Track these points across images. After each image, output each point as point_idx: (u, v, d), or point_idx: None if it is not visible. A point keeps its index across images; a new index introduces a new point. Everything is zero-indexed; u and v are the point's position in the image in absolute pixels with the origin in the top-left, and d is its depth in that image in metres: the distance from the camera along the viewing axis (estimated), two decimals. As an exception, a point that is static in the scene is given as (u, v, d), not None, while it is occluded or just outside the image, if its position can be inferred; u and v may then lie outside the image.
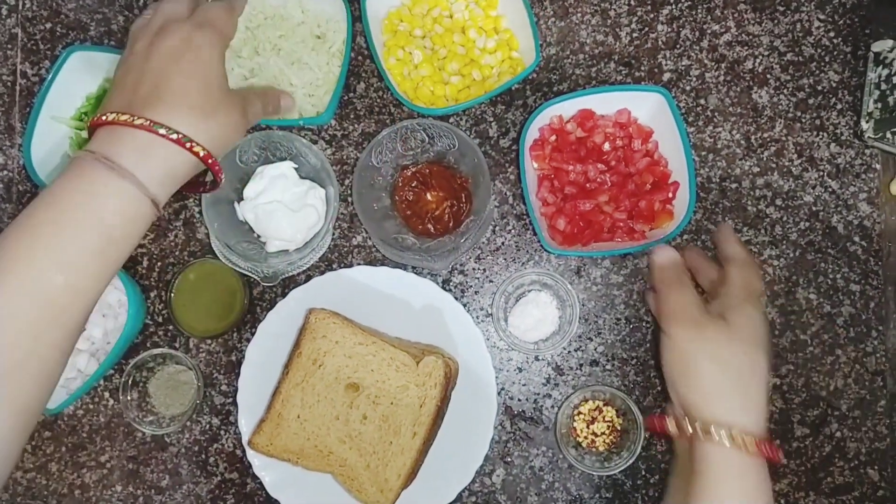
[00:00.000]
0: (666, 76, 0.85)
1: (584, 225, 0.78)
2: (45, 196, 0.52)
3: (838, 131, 0.84)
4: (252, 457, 0.78)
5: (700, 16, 0.85)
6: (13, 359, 0.49)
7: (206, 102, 0.55)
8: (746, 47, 0.85)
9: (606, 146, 0.79)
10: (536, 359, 0.82)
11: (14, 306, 0.49)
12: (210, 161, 0.56)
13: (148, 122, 0.52)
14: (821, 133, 0.84)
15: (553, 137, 0.80)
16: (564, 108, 0.79)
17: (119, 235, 0.53)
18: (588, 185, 0.79)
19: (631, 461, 0.77)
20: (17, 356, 0.49)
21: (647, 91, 0.78)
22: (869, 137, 0.82)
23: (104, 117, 0.53)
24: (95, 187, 0.52)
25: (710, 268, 0.73)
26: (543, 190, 0.79)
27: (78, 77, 0.82)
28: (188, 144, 0.54)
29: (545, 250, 0.80)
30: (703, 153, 0.84)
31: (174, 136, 0.53)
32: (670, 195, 0.78)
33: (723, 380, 0.63)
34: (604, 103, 0.79)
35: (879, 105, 0.81)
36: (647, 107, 0.79)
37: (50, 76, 0.80)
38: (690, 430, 0.63)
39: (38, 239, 0.50)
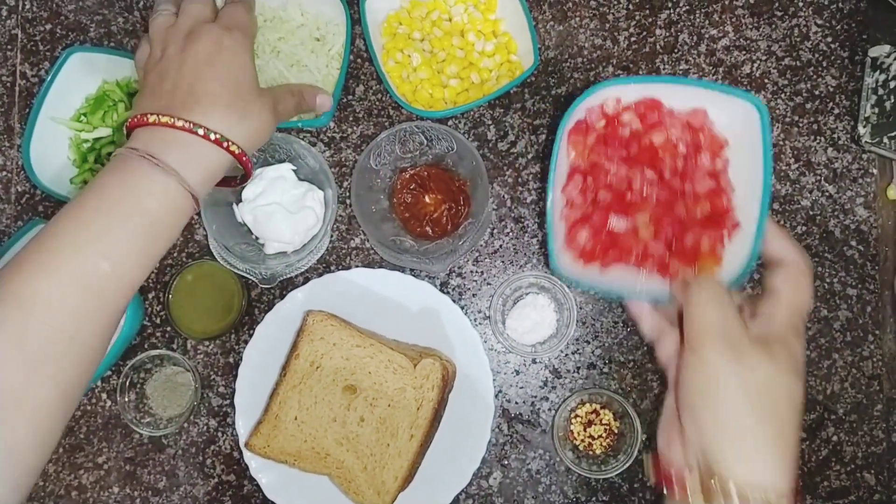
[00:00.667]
0: (664, 80, 0.85)
1: (609, 243, 0.61)
2: (92, 188, 0.54)
3: (835, 136, 0.84)
4: (249, 458, 0.78)
5: (698, 20, 0.86)
6: (60, 342, 0.51)
7: (239, 103, 0.58)
8: (744, 52, 0.85)
9: (663, 152, 0.62)
10: (534, 361, 0.83)
11: (62, 292, 0.51)
12: (244, 159, 0.59)
13: (189, 123, 0.55)
14: (818, 137, 0.84)
15: (602, 123, 0.63)
16: (627, 92, 0.62)
17: (161, 228, 0.55)
18: (629, 195, 0.61)
19: (628, 464, 0.77)
20: (64, 340, 0.51)
21: (736, 96, 0.60)
22: (866, 142, 0.82)
23: (147, 118, 0.55)
24: (141, 182, 0.54)
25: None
26: (572, 187, 0.62)
27: (77, 78, 0.82)
28: (225, 144, 0.56)
29: (552, 271, 0.64)
30: (701, 157, 0.84)
31: (213, 137, 0.56)
32: (726, 236, 0.60)
33: (760, 424, 0.50)
34: (677, 96, 0.62)
35: (876, 110, 0.81)
36: (728, 115, 0.61)
37: (49, 77, 0.80)
38: (719, 490, 0.49)
39: (86, 228, 0.53)
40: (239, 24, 0.61)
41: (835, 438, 0.81)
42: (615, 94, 0.63)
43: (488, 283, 0.84)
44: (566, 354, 0.82)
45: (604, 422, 0.80)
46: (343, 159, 0.85)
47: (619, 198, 0.61)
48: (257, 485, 0.79)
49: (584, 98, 0.61)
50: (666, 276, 0.60)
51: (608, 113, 0.63)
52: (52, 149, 0.82)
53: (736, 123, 0.61)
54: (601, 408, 0.81)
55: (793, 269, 0.54)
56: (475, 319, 0.83)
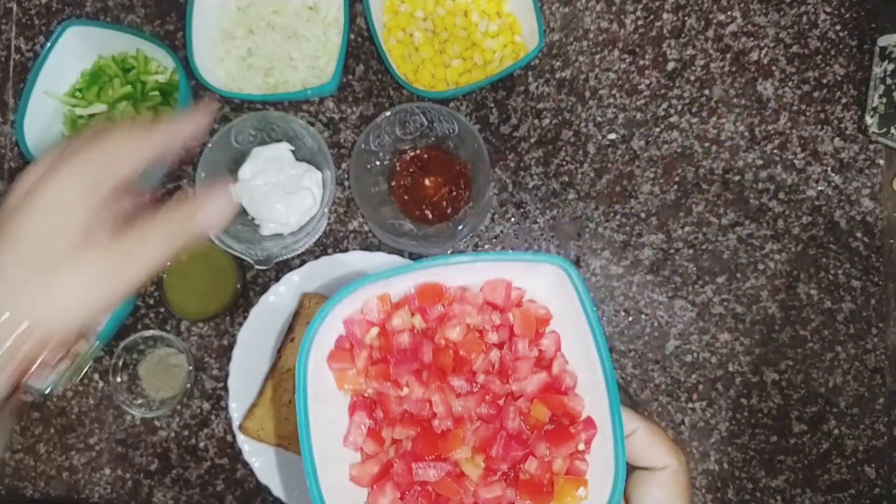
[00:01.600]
0: (670, 65, 0.83)
1: (427, 499, 0.43)
2: None
3: (843, 125, 0.83)
4: (242, 442, 0.77)
5: (706, 5, 0.84)
6: None
7: (48, 257, 0.39)
8: (752, 38, 0.84)
9: (468, 350, 0.45)
10: (533, 349, 0.81)
11: None
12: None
13: None
14: (825, 127, 0.83)
15: (373, 334, 0.45)
16: (392, 285, 0.45)
17: None
18: (437, 423, 0.44)
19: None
20: None
21: (534, 261, 0.45)
22: (873, 132, 0.81)
23: None
24: None
25: None
26: (355, 431, 0.44)
27: (73, 53, 0.80)
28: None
29: None
30: (707, 144, 0.82)
31: None
32: (581, 446, 0.44)
33: None
34: (462, 274, 0.46)
35: (884, 100, 0.80)
36: (536, 280, 0.46)
37: (44, 51, 0.78)
38: None
39: None
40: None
41: (836, 431, 0.80)
42: (375, 293, 0.45)
43: (488, 269, 0.82)
44: (565, 342, 0.81)
45: (602, 411, 0.79)
46: (342, 140, 0.83)
47: (424, 432, 0.44)
48: (250, 468, 0.78)
49: (328, 310, 0.43)
50: None
51: (373, 321, 0.45)
52: (46, 124, 0.81)
53: (550, 289, 0.46)
54: (600, 397, 0.80)
55: (667, 477, 0.43)
56: (474, 305, 0.82)
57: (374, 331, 0.45)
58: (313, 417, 0.41)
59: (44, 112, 0.80)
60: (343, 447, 0.44)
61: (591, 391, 0.44)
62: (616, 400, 0.42)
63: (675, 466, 0.43)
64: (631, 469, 0.44)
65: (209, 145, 0.76)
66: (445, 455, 0.43)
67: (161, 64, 0.83)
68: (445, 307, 0.46)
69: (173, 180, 0.83)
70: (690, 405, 0.80)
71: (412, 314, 0.45)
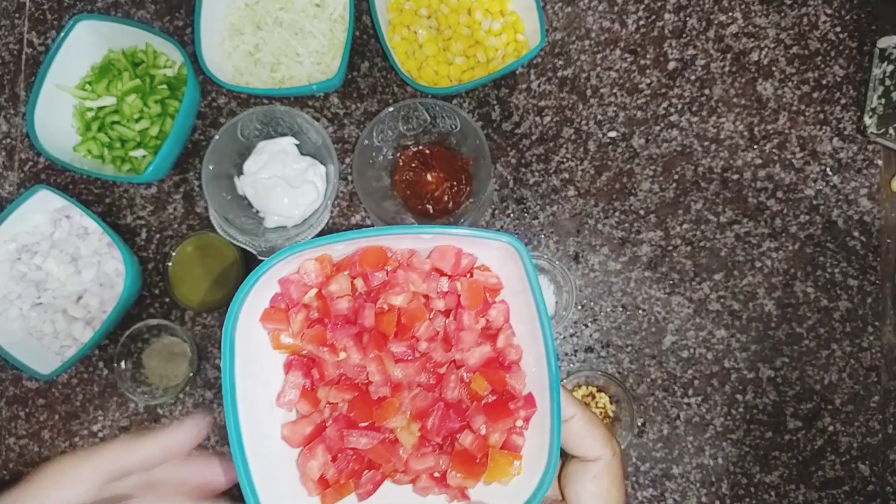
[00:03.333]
0: (671, 65, 0.84)
1: (359, 467, 0.42)
2: None
3: (842, 126, 0.84)
4: (244, 430, 0.78)
5: (707, 6, 0.85)
6: None
7: None
8: (753, 39, 0.85)
9: (411, 318, 0.43)
10: (531, 343, 0.82)
11: None
12: None
13: None
14: (824, 127, 0.84)
15: (312, 295, 0.43)
16: (335, 249, 0.43)
17: None
18: (373, 389, 0.43)
19: (622, 447, 0.77)
20: None
21: (486, 238, 0.43)
22: (872, 133, 0.82)
23: None
24: None
25: None
26: (290, 389, 0.43)
27: (83, 46, 0.82)
28: None
29: None
30: (706, 143, 0.83)
31: None
32: (519, 423, 0.43)
33: None
34: (410, 242, 0.44)
35: (883, 101, 0.81)
36: (487, 252, 0.45)
37: (55, 44, 0.80)
38: None
39: None
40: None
41: (831, 428, 0.80)
42: (314, 256, 0.42)
43: (488, 264, 0.83)
44: (564, 337, 0.82)
45: (599, 405, 0.80)
46: (346, 135, 0.85)
47: (361, 399, 0.42)
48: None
49: (262, 271, 0.40)
50: (448, 491, 0.42)
51: (309, 284, 0.42)
52: (56, 117, 0.82)
53: (501, 261, 0.44)
54: (597, 391, 0.81)
55: (601, 469, 0.42)
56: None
57: (312, 292, 0.42)
58: (244, 377, 0.39)
59: (54, 104, 0.82)
60: (276, 407, 0.42)
61: (534, 368, 0.43)
62: (556, 380, 0.41)
63: (609, 458, 0.41)
64: (565, 457, 0.43)
65: (216, 138, 0.78)
66: (380, 422, 0.42)
67: (169, 58, 0.84)
68: (389, 273, 0.43)
69: (180, 173, 0.85)
70: (686, 400, 0.81)
71: (353, 278, 0.43)
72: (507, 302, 0.45)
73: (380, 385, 0.42)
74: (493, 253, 0.44)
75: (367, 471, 0.42)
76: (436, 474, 0.42)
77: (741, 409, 0.80)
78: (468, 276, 0.44)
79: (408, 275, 0.43)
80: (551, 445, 0.40)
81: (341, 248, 0.42)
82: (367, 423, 0.42)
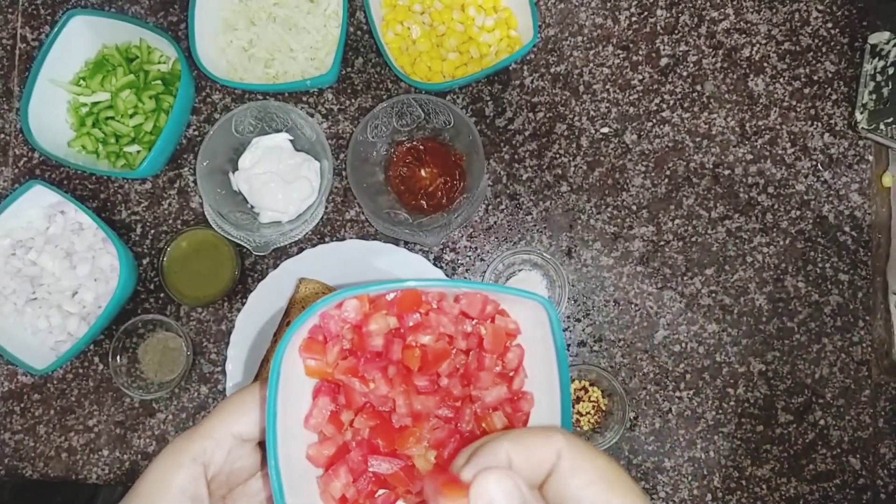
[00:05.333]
0: (663, 61, 0.85)
1: (376, 488, 0.45)
2: None
3: (832, 121, 0.84)
4: (238, 425, 0.79)
5: (699, 2, 0.86)
6: None
7: None
8: (744, 35, 0.85)
9: (436, 355, 0.46)
10: (524, 338, 0.83)
11: None
12: None
13: None
14: (815, 123, 0.84)
15: (346, 329, 0.46)
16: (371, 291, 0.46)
17: None
18: (396, 418, 0.46)
19: (615, 441, 0.78)
20: None
21: (520, 296, 0.46)
22: (863, 128, 0.82)
23: None
24: None
25: None
26: (318, 414, 0.46)
27: (77, 41, 0.82)
28: None
29: None
30: (698, 139, 0.84)
31: None
32: None
33: None
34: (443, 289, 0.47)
35: (874, 96, 0.82)
36: (513, 305, 0.48)
37: (49, 39, 0.80)
38: None
39: None
40: None
41: (822, 422, 0.81)
42: (355, 294, 0.45)
43: (481, 259, 0.84)
44: (557, 331, 0.83)
45: (592, 399, 0.81)
46: (340, 131, 0.85)
47: (383, 424, 0.45)
48: (246, 451, 0.79)
49: (312, 313, 0.44)
50: None
51: (349, 320, 0.45)
52: (50, 112, 0.82)
53: (522, 309, 0.47)
54: (590, 385, 0.81)
55: (571, 456, 0.36)
56: (467, 294, 0.83)
57: (349, 326, 0.46)
58: (281, 399, 0.42)
59: (48, 100, 0.82)
60: (303, 428, 0.45)
61: (545, 413, 0.46)
62: (569, 427, 0.43)
63: (563, 440, 0.36)
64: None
65: (210, 134, 0.78)
66: (401, 449, 0.45)
67: (164, 54, 0.85)
68: (423, 316, 0.47)
69: (174, 168, 0.85)
70: (678, 394, 0.81)
71: (388, 316, 0.46)
72: (523, 346, 0.48)
73: (403, 415, 0.45)
74: (516, 303, 0.47)
75: (381, 490, 0.45)
76: None
77: (732, 403, 0.81)
78: (491, 321, 0.48)
79: (439, 318, 0.46)
80: None
81: (378, 287, 0.46)
82: (388, 450, 0.45)
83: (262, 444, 0.45)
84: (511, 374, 0.47)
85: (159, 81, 0.83)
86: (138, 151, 0.83)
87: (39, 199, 0.80)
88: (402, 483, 0.44)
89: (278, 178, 0.80)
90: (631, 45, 0.85)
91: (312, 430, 0.45)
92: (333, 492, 0.44)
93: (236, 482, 0.44)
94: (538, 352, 0.46)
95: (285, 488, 0.42)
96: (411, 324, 0.46)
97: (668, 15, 0.85)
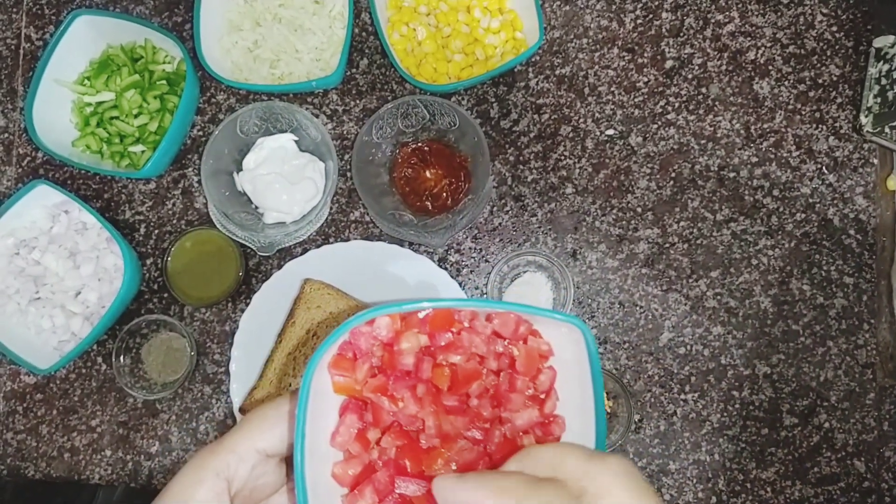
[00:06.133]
0: (668, 63, 0.85)
1: None
2: None
3: (837, 125, 0.84)
4: (242, 426, 0.78)
5: (704, 5, 0.86)
6: None
7: None
8: (749, 38, 0.85)
9: (466, 374, 0.45)
10: (529, 339, 0.83)
11: None
12: None
13: None
14: (820, 126, 0.84)
15: (376, 347, 0.45)
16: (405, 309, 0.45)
17: None
18: (424, 439, 0.44)
19: (619, 443, 0.78)
20: None
21: (555, 318, 0.45)
22: (867, 132, 0.82)
23: None
24: None
25: None
26: (344, 432, 0.45)
27: (82, 41, 0.82)
28: None
29: None
30: (703, 142, 0.84)
31: None
32: None
33: None
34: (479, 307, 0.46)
35: (879, 100, 0.82)
36: (546, 326, 0.47)
37: (54, 39, 0.80)
38: None
39: None
40: None
41: (826, 425, 0.81)
42: (388, 313, 0.45)
43: (486, 261, 0.84)
44: (561, 333, 0.83)
45: (597, 401, 0.80)
46: (345, 132, 0.85)
47: (410, 444, 0.44)
48: (249, 452, 0.79)
49: (345, 330, 0.43)
50: None
51: (380, 338, 0.45)
52: (54, 112, 0.82)
53: (555, 330, 0.46)
54: (594, 387, 0.81)
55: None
56: (472, 296, 0.83)
57: (379, 343, 0.45)
58: (309, 417, 0.42)
59: (53, 99, 0.82)
60: (329, 445, 0.44)
61: (579, 437, 0.44)
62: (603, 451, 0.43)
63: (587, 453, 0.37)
64: None
65: (215, 134, 0.78)
66: (429, 471, 0.43)
67: (169, 54, 0.85)
68: (454, 335, 0.46)
69: (179, 168, 0.85)
70: (683, 396, 0.81)
71: (424, 332, 0.45)
72: (555, 368, 0.46)
73: (432, 436, 0.44)
74: (549, 324, 0.46)
75: None
76: None
77: (737, 406, 0.81)
78: (523, 342, 0.46)
79: (471, 338, 0.45)
80: None
81: (412, 306, 0.45)
82: (415, 471, 0.44)
83: (286, 460, 0.44)
84: (542, 396, 0.46)
85: (164, 81, 0.83)
86: (143, 151, 0.83)
87: (43, 199, 0.80)
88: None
89: (283, 179, 0.80)
90: (636, 48, 0.85)
91: (338, 448, 0.44)
92: None
93: (259, 498, 0.43)
94: (571, 374, 0.45)
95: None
96: (443, 343, 0.45)
97: (674, 17, 0.85)
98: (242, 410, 0.77)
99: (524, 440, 0.45)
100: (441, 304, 0.44)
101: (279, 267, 0.81)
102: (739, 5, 0.86)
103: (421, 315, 0.45)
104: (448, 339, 0.45)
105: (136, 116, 0.82)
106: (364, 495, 0.43)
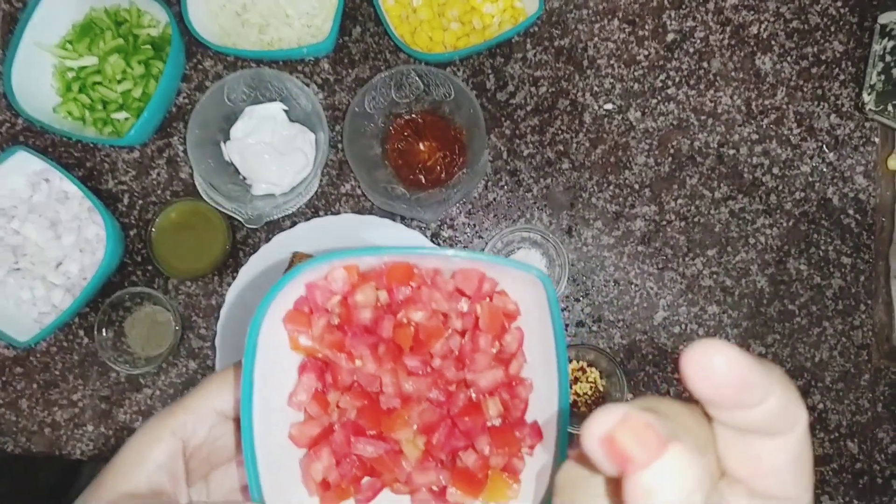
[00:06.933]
0: (670, 37, 0.83)
1: (361, 474, 0.43)
2: None
3: (839, 102, 0.83)
4: (228, 401, 0.77)
5: (707, -23, 0.83)
6: None
7: None
8: (752, 12, 0.83)
9: (428, 334, 0.43)
10: (522, 317, 0.81)
11: None
12: None
13: None
14: (822, 103, 0.83)
15: (334, 302, 0.43)
16: (363, 259, 0.43)
17: None
18: (384, 400, 0.43)
19: (612, 423, 0.77)
20: None
21: (514, 268, 0.42)
22: (870, 110, 0.81)
23: None
24: None
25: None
26: (301, 391, 0.43)
27: (64, 3, 0.79)
28: None
29: None
30: (703, 117, 0.82)
31: None
32: (526, 449, 0.43)
33: None
34: (437, 261, 0.43)
35: (882, 77, 0.80)
36: (513, 282, 0.44)
37: (34, 0, 0.77)
38: None
39: None
40: None
41: (820, 406, 0.80)
42: (343, 265, 0.42)
43: (480, 237, 0.82)
44: (555, 311, 0.81)
45: (590, 380, 0.79)
46: (336, 102, 0.83)
47: (371, 405, 0.43)
48: (236, 428, 0.77)
49: (291, 278, 0.41)
50: None
51: (335, 291, 0.42)
52: (35, 76, 0.79)
53: (522, 287, 0.44)
54: (588, 366, 0.80)
55: (798, 442, 0.26)
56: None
57: (336, 299, 0.43)
58: (260, 372, 0.40)
59: (33, 63, 0.78)
60: (286, 406, 0.43)
61: (543, 398, 0.43)
62: (566, 415, 0.41)
63: (805, 423, 0.26)
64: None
65: (202, 101, 0.75)
66: (388, 433, 0.42)
67: (154, 17, 0.82)
68: (414, 290, 0.43)
69: (163, 137, 0.82)
70: (676, 375, 0.80)
71: (378, 289, 0.43)
72: (523, 329, 0.45)
73: (391, 396, 0.43)
74: (515, 280, 0.44)
75: (367, 477, 0.43)
76: (435, 488, 0.43)
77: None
78: (488, 299, 0.44)
79: (431, 293, 0.43)
80: (553, 474, 0.40)
81: (370, 259, 0.43)
82: (374, 432, 0.43)
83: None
84: (508, 357, 0.44)
85: (149, 46, 0.80)
86: (126, 118, 0.80)
87: (23, 166, 0.77)
88: (387, 469, 0.42)
89: (272, 150, 0.77)
90: (637, 20, 0.83)
91: (296, 408, 0.43)
92: (315, 474, 0.41)
93: (218, 461, 0.42)
94: (537, 335, 0.43)
95: (262, 468, 0.39)
96: (401, 298, 0.43)
97: (676, -11, 0.83)
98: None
99: (489, 403, 0.43)
100: (391, 252, 0.42)
101: (267, 240, 0.79)
102: (743, -22, 0.84)
103: (374, 263, 0.43)
104: (406, 293, 0.43)
105: (119, 82, 0.79)
106: (321, 456, 0.42)
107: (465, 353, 0.43)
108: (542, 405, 0.43)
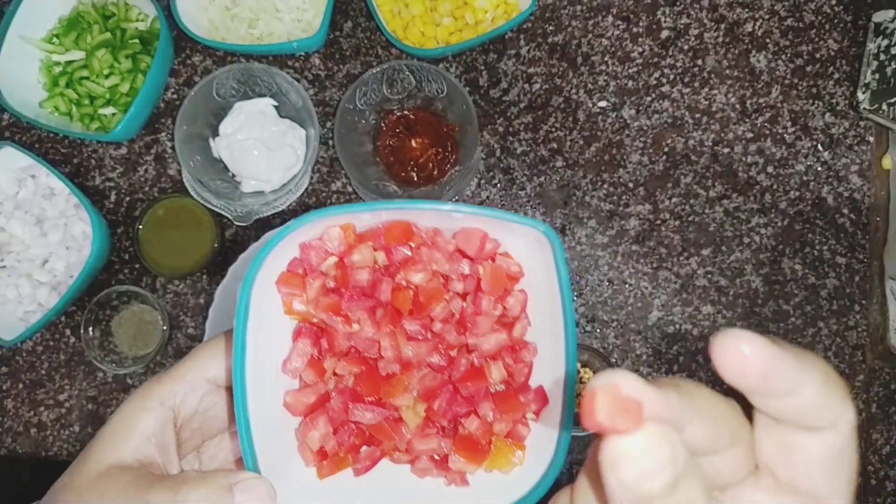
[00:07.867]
0: (664, 34, 0.82)
1: (359, 442, 0.41)
2: None
3: (834, 101, 0.82)
4: (217, 401, 0.76)
5: (702, -26, 0.83)
6: None
7: None
8: (747, 9, 0.83)
9: (429, 296, 0.41)
10: (515, 316, 0.80)
11: None
12: None
13: None
14: (816, 102, 0.82)
15: (330, 264, 0.40)
16: (360, 218, 0.40)
17: None
18: (382, 365, 0.41)
19: (605, 423, 0.76)
20: None
21: (517, 223, 0.40)
22: (864, 108, 0.80)
23: None
24: None
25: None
26: (296, 358, 0.41)
27: (50, -4, 0.78)
28: None
29: None
30: (697, 115, 0.82)
31: None
32: (531, 415, 0.41)
33: None
34: (437, 218, 0.41)
35: (877, 76, 0.80)
36: (515, 237, 0.42)
37: (19, -8, 0.75)
38: None
39: None
40: None
41: (814, 407, 0.80)
42: (338, 223, 0.40)
43: (472, 235, 0.81)
44: (548, 311, 0.80)
45: (583, 380, 0.79)
46: (327, 98, 0.82)
47: (369, 371, 0.41)
48: (224, 429, 0.76)
49: (285, 234, 0.38)
50: (447, 474, 0.41)
51: (331, 251, 0.40)
52: (21, 71, 0.78)
53: (527, 249, 0.41)
54: (581, 366, 0.79)
55: (843, 440, 0.25)
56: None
57: (332, 260, 0.40)
58: (253, 338, 0.38)
59: (19, 57, 0.77)
60: (281, 373, 0.41)
61: (549, 362, 0.41)
62: (573, 377, 0.39)
63: (852, 422, 0.25)
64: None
65: (190, 96, 0.74)
66: (387, 399, 0.40)
67: (142, 11, 0.80)
68: (413, 250, 0.41)
69: (151, 133, 0.81)
70: (671, 376, 0.79)
71: (375, 250, 0.41)
72: (526, 292, 0.43)
73: (390, 361, 0.41)
74: (518, 241, 0.42)
75: (366, 446, 0.41)
76: (436, 456, 0.41)
77: (726, 386, 0.79)
78: (491, 260, 0.42)
79: (431, 253, 0.41)
80: (559, 441, 0.39)
81: (367, 217, 0.40)
82: (373, 399, 0.41)
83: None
84: (512, 320, 0.42)
85: (137, 40, 0.79)
86: (114, 114, 0.79)
87: (9, 162, 0.76)
88: (387, 436, 0.40)
89: (262, 146, 0.76)
90: (631, 16, 0.82)
91: (291, 375, 0.41)
92: (311, 443, 0.39)
93: (210, 433, 0.40)
94: (543, 296, 0.41)
95: (256, 437, 0.37)
96: (400, 259, 0.41)
97: (670, -14, 0.83)
98: (217, 385, 0.74)
99: (492, 367, 0.41)
100: (389, 207, 0.40)
101: (257, 238, 0.78)
102: (738, -25, 0.83)
103: (372, 223, 0.40)
104: (404, 254, 0.41)
105: (106, 77, 0.78)
106: (317, 424, 0.40)
107: (467, 317, 0.41)
108: (548, 369, 0.41)
